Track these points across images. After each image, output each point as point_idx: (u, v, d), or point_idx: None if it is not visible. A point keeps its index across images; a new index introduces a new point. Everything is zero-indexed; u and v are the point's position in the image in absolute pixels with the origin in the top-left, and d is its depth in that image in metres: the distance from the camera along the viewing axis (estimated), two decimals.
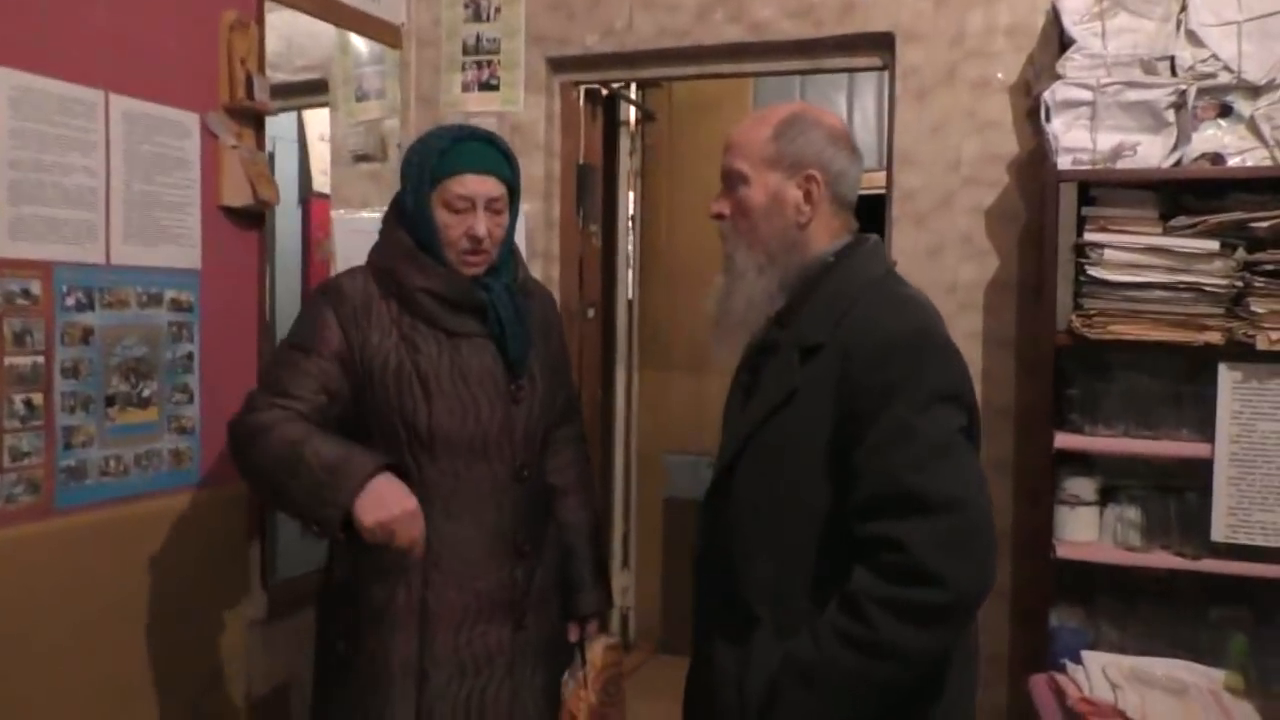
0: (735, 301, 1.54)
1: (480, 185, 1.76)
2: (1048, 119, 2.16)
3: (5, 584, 1.81)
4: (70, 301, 1.93)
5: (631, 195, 4.28)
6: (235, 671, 2.29)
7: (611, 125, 4.12)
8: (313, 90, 3.15)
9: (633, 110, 4.16)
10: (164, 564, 2.11)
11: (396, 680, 1.74)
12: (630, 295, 4.29)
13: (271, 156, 3.99)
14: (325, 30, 2.87)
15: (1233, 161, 2.08)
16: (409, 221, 1.80)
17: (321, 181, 3.36)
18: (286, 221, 3.99)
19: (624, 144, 4.21)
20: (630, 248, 4.28)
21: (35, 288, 1.87)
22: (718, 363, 1.73)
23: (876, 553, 1.31)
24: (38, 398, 1.88)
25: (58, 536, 1.91)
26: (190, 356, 2.19)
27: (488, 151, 1.79)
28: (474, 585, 1.77)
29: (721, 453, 1.57)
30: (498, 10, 2.83)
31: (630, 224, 4.27)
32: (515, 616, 1.81)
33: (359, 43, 2.96)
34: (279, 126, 3.78)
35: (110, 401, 2.02)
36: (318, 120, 3.31)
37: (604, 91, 3.23)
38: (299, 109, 3.31)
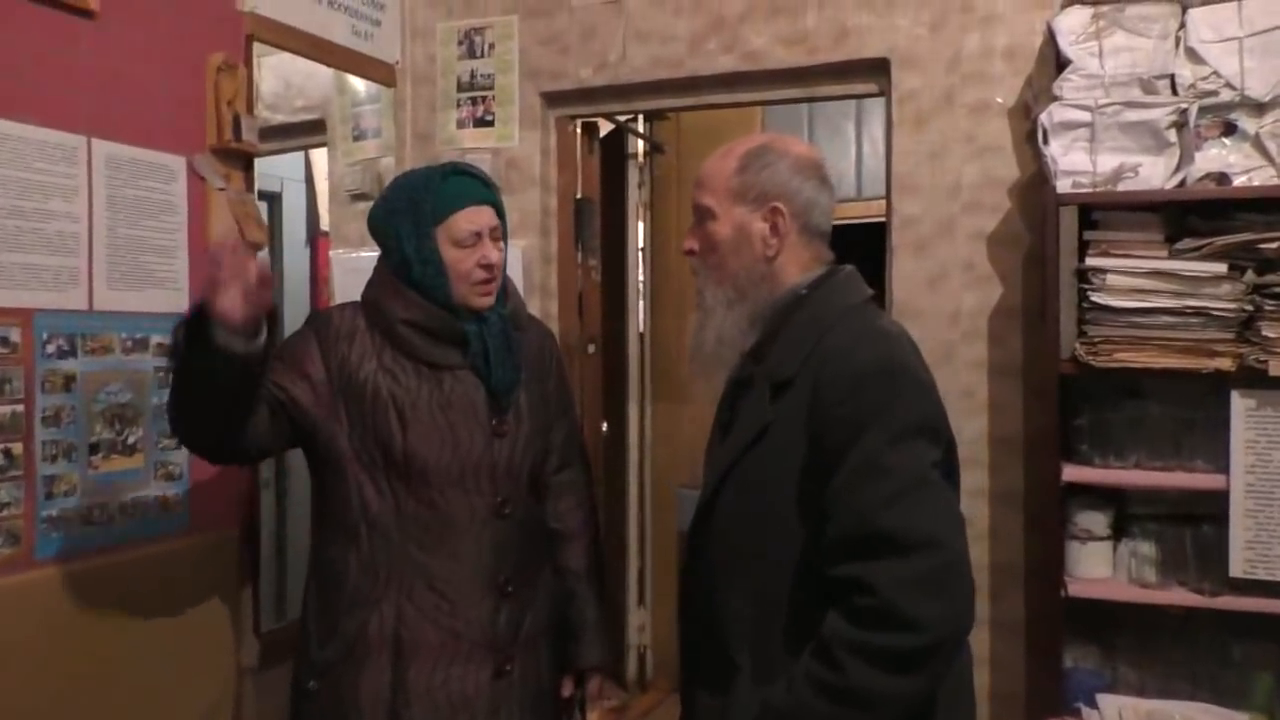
0: (707, 337, 1.51)
1: (483, 216, 1.79)
2: (1045, 141, 2.10)
3: None
4: (51, 349, 1.92)
5: (641, 227, 4.26)
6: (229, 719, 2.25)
7: (618, 158, 4.11)
8: (312, 130, 3.16)
9: (640, 143, 4.15)
10: (152, 612, 2.08)
11: (365, 718, 1.69)
12: (641, 328, 4.26)
13: (279, 197, 4.02)
14: (323, 70, 2.88)
15: (1238, 181, 2.00)
16: (409, 273, 1.77)
17: (329, 221, 3.36)
18: (294, 261, 4.00)
19: (632, 176, 4.20)
20: (640, 280, 4.26)
21: (14, 335, 1.85)
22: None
23: (848, 595, 1.26)
24: (17, 447, 1.86)
25: (39, 587, 1.88)
26: None
27: (477, 184, 1.82)
28: (451, 623, 1.73)
29: (702, 492, 1.53)
30: (491, 46, 2.82)
31: (640, 256, 4.26)
32: (497, 661, 1.76)
33: (356, 82, 2.96)
34: (286, 167, 3.80)
35: (94, 449, 2.00)
36: (325, 160, 3.32)
37: (599, 124, 3.20)
38: (298, 149, 3.32)
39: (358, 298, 1.87)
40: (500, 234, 1.83)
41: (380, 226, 1.82)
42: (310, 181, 3.67)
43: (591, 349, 3.07)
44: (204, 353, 1.52)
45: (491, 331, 1.79)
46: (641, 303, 4.25)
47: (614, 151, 4.05)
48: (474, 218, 1.77)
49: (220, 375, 1.55)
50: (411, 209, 1.77)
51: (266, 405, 1.72)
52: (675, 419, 4.23)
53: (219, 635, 2.24)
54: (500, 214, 1.84)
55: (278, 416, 1.74)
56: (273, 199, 3.92)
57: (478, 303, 1.79)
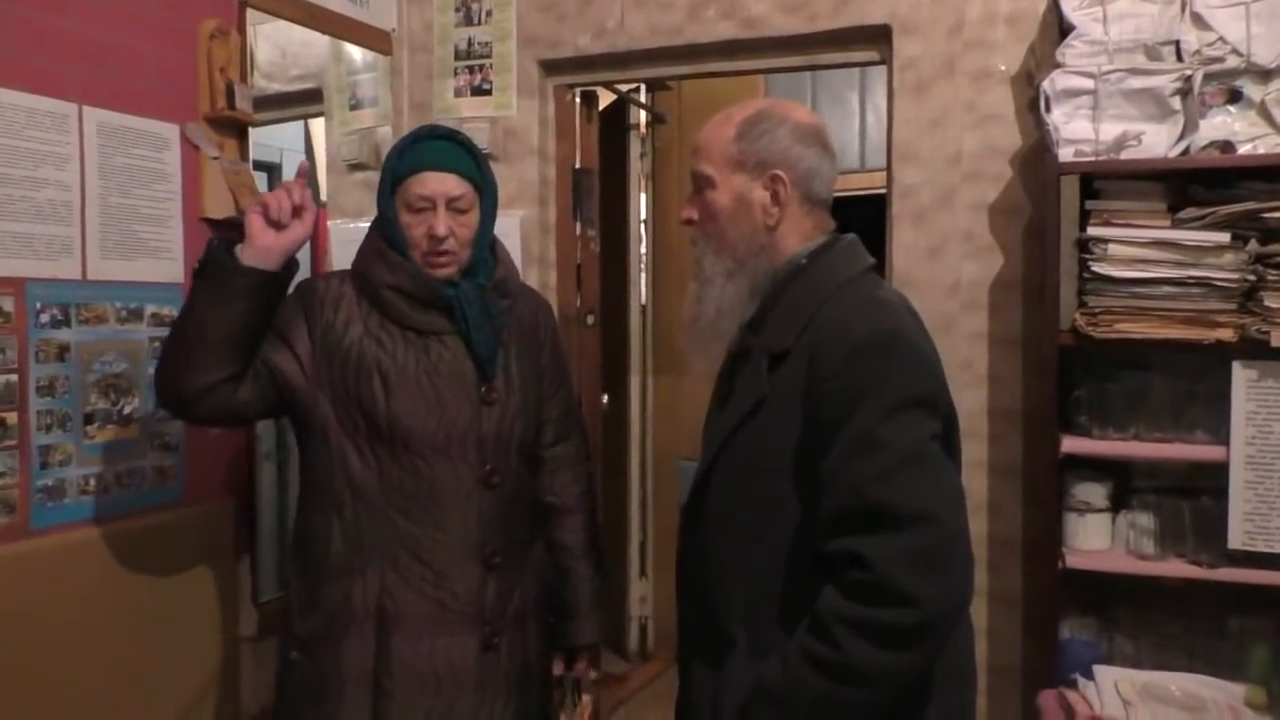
0: (706, 308, 1.49)
1: (440, 184, 1.73)
2: (1047, 109, 2.07)
3: None
4: (44, 318, 1.91)
5: (643, 198, 4.24)
6: (225, 690, 2.25)
7: (620, 129, 4.08)
8: (310, 100, 3.12)
9: (642, 113, 4.11)
10: (149, 582, 2.08)
11: (348, 690, 1.69)
12: (643, 300, 4.25)
13: (279, 168, 4.00)
14: (319, 39, 2.85)
15: (1243, 149, 1.97)
16: (380, 225, 1.78)
17: (326, 191, 3.34)
18: None
19: (634, 147, 4.17)
20: (642, 251, 4.24)
21: (7, 304, 1.85)
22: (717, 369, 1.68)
23: (844, 570, 1.24)
24: (11, 417, 1.86)
25: (34, 557, 1.88)
26: None
27: (447, 149, 1.76)
28: (436, 593, 1.71)
29: (699, 465, 1.51)
30: (489, 14, 2.79)
31: (642, 227, 4.23)
32: (484, 633, 1.75)
33: (353, 50, 2.93)
34: (286, 137, 3.77)
35: (89, 419, 2.00)
36: (324, 130, 3.29)
37: (599, 94, 3.17)
38: (296, 119, 3.29)
39: None
40: (466, 205, 1.75)
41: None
42: (310, 152, 3.65)
43: (590, 320, 3.06)
44: (231, 272, 1.64)
45: (468, 298, 1.75)
46: (643, 275, 4.24)
47: (616, 122, 4.02)
48: (429, 183, 1.72)
49: (239, 300, 1.65)
50: (385, 170, 1.78)
51: (253, 372, 1.72)
52: (677, 391, 4.22)
53: (216, 605, 2.25)
54: (476, 184, 1.78)
55: (262, 383, 1.73)
56: (272, 170, 3.90)
57: (431, 272, 1.75)
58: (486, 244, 1.82)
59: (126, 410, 2.07)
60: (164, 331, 2.12)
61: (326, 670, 1.71)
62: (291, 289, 1.82)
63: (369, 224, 1.86)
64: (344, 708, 1.69)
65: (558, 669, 1.92)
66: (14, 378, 1.86)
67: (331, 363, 1.74)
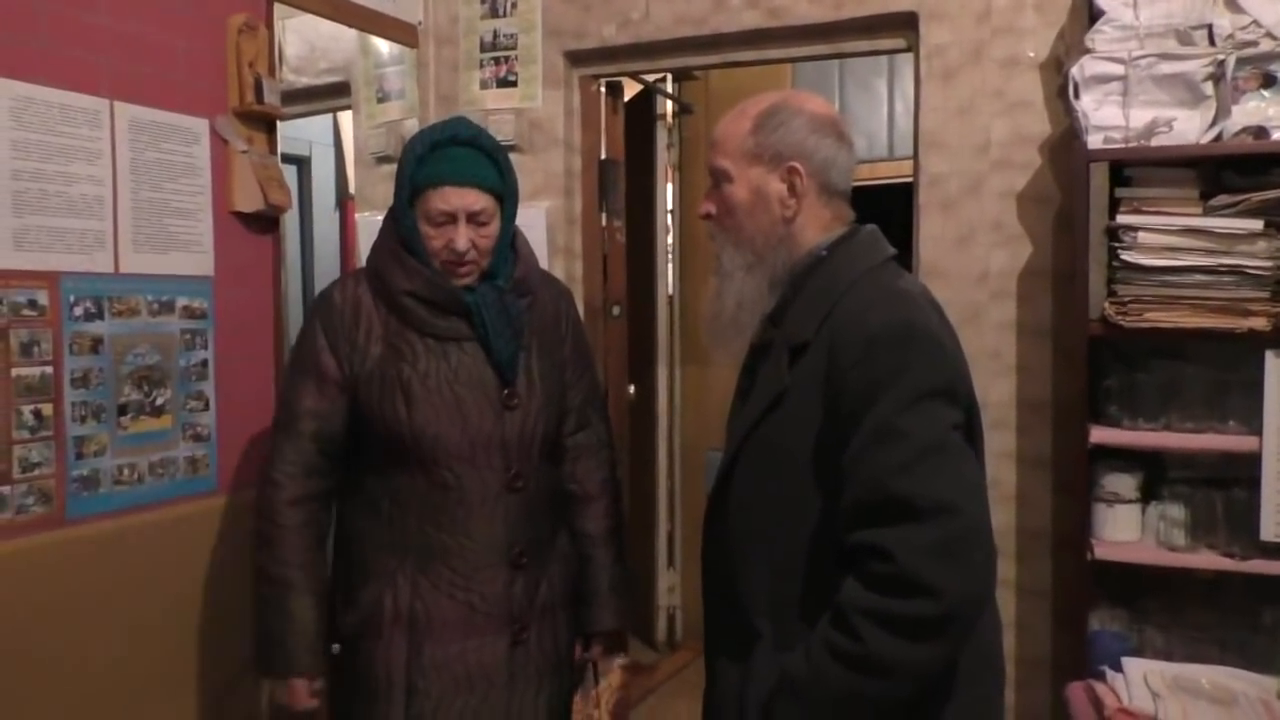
0: (726, 302, 1.48)
1: (460, 199, 1.69)
2: (1076, 96, 2.04)
3: (17, 595, 1.82)
4: (78, 311, 1.94)
5: (670, 189, 4.23)
6: (256, 679, 2.28)
7: (647, 119, 4.07)
8: (338, 93, 3.15)
9: (669, 104, 4.11)
10: (182, 571, 2.12)
11: (382, 690, 1.72)
12: (670, 290, 4.25)
13: (308, 161, 4.03)
14: (347, 33, 2.87)
15: (1277, 135, 1.94)
16: (397, 225, 1.77)
17: (354, 184, 3.37)
18: (323, 225, 4.02)
19: (660, 137, 4.17)
20: (669, 242, 4.23)
21: (42, 298, 1.88)
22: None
23: (865, 562, 1.24)
24: (47, 408, 1.89)
25: (70, 546, 1.91)
26: (205, 364, 2.19)
27: (468, 157, 1.71)
28: (467, 597, 1.73)
29: (723, 458, 1.51)
30: (514, 6, 2.79)
31: (669, 218, 4.23)
32: (513, 630, 1.77)
33: (379, 44, 2.95)
34: (314, 130, 3.81)
35: (123, 410, 2.03)
36: (351, 124, 3.31)
37: (625, 85, 3.17)
38: (325, 112, 3.32)
39: None
40: (488, 218, 1.73)
41: (397, 173, 1.78)
42: (338, 145, 3.68)
43: (616, 312, 3.06)
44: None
45: (486, 303, 1.74)
46: (670, 265, 4.23)
47: (642, 113, 4.02)
48: (448, 198, 1.68)
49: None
50: (401, 170, 1.74)
51: (315, 442, 1.77)
52: (704, 382, 4.22)
53: (249, 594, 2.27)
54: (498, 194, 1.74)
55: (327, 456, 1.80)
56: (301, 163, 3.93)
57: (451, 281, 1.74)
58: (507, 244, 1.80)
59: (159, 401, 2.10)
60: (195, 324, 2.16)
61: (363, 671, 1.74)
62: (309, 311, 1.85)
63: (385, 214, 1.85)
64: (379, 707, 1.72)
65: (578, 654, 1.94)
66: (49, 370, 1.89)
67: (360, 381, 1.75)
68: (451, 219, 1.70)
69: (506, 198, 1.77)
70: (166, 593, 2.08)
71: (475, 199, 1.70)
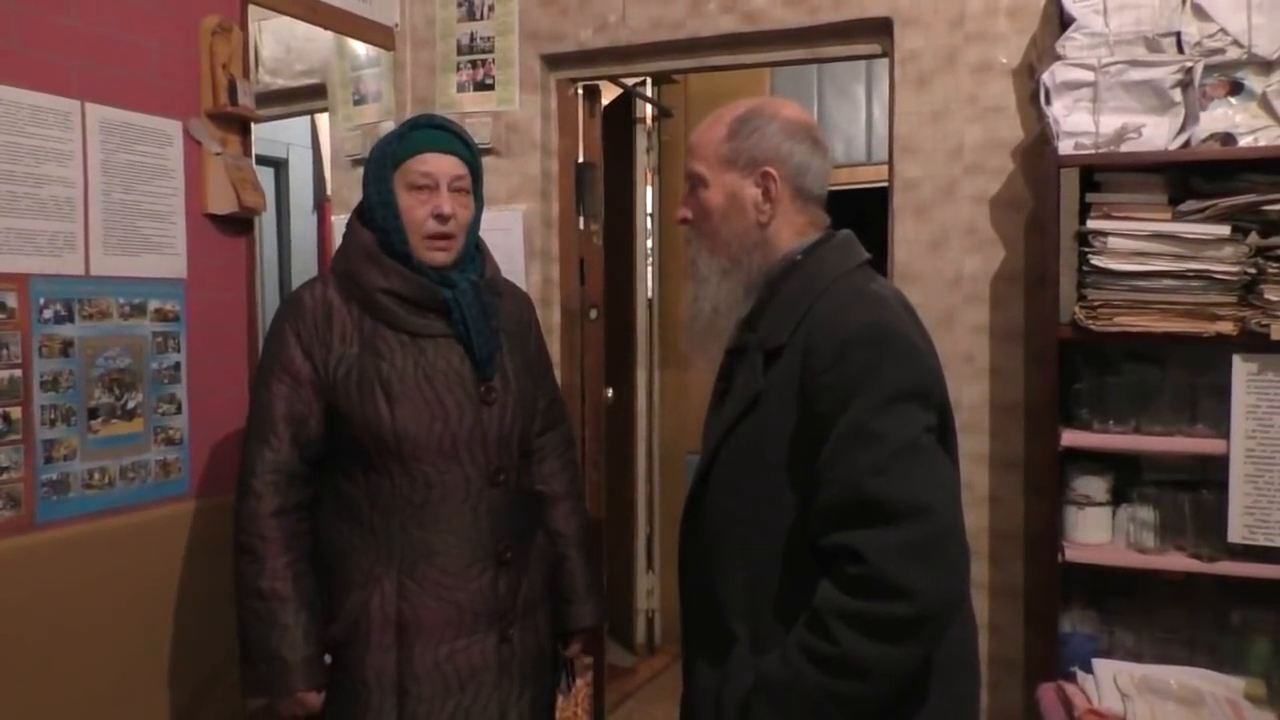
0: (702, 307, 1.50)
1: (442, 163, 1.75)
2: (1048, 102, 2.07)
3: None
4: (48, 313, 1.93)
5: (649, 192, 4.24)
6: (232, 684, 2.27)
7: (626, 123, 4.08)
8: (314, 95, 3.15)
9: (648, 107, 4.11)
10: (155, 575, 2.10)
11: (374, 695, 1.71)
12: (650, 294, 4.25)
13: (285, 163, 4.01)
14: (323, 35, 2.86)
15: (1244, 141, 1.97)
16: (373, 216, 1.78)
17: (331, 186, 3.36)
18: (302, 227, 4.01)
19: (640, 141, 4.18)
20: (648, 246, 4.24)
21: (11, 300, 1.86)
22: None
23: (840, 564, 1.25)
24: (15, 411, 1.87)
25: (40, 551, 1.89)
26: (177, 366, 2.18)
27: (445, 135, 1.78)
28: (454, 596, 1.73)
29: (699, 462, 1.52)
30: (491, 8, 2.79)
31: (648, 221, 4.24)
32: (500, 629, 1.77)
33: (356, 46, 2.95)
34: (293, 132, 3.80)
35: (93, 414, 2.01)
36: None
37: (603, 88, 3.17)
38: (301, 114, 3.31)
39: None
40: (466, 187, 1.78)
41: (364, 172, 1.82)
42: (316, 147, 3.67)
43: (594, 315, 3.06)
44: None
45: (465, 298, 1.75)
46: (649, 269, 4.24)
47: (622, 116, 4.03)
48: (431, 162, 1.74)
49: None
50: (380, 152, 1.78)
51: (294, 447, 1.76)
52: (683, 385, 4.23)
53: (223, 597, 2.26)
54: (472, 169, 1.80)
55: (306, 431, 1.77)
56: (279, 165, 3.92)
57: (430, 258, 1.75)
58: (475, 236, 1.84)
59: (130, 405, 2.09)
60: (167, 327, 2.15)
61: (354, 676, 1.73)
62: (276, 313, 1.84)
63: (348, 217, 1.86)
64: (372, 709, 1.71)
65: (572, 651, 1.96)
66: (18, 373, 1.87)
67: (336, 383, 1.74)
68: (434, 183, 1.74)
69: (477, 179, 1.83)
70: (138, 597, 2.06)
71: (455, 165, 1.76)
